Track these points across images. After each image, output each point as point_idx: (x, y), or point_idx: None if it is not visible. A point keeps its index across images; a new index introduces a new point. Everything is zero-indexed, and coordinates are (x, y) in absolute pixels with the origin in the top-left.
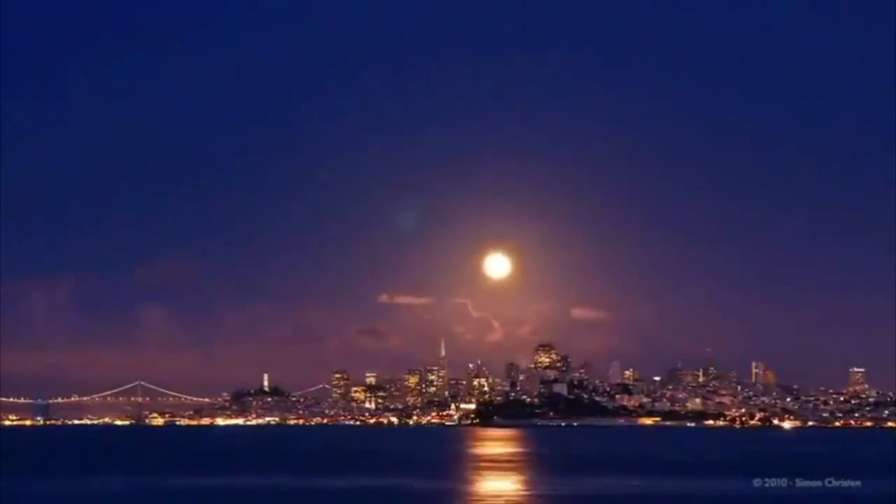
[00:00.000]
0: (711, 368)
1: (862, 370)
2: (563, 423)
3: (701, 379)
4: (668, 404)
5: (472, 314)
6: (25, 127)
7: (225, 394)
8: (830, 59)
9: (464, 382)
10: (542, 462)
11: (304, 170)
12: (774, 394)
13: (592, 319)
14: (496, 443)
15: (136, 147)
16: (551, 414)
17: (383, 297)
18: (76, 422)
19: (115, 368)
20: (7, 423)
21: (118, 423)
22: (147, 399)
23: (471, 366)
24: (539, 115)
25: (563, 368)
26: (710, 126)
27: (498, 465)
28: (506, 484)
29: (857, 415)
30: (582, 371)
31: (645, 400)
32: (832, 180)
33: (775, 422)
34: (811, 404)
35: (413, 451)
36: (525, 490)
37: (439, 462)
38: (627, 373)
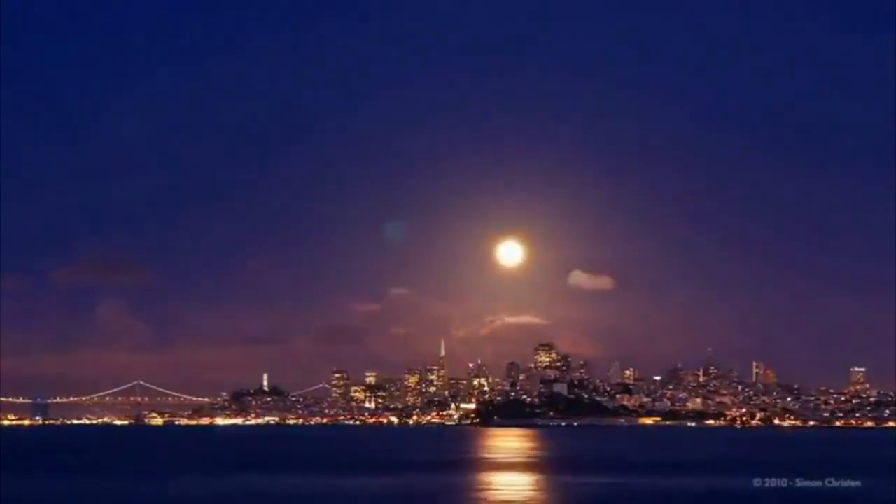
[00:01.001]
0: (712, 368)
1: (863, 370)
2: (563, 423)
3: (701, 379)
4: (669, 404)
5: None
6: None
7: (224, 393)
8: (836, 67)
9: (464, 382)
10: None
11: (305, 168)
12: (775, 393)
13: (591, 318)
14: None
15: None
16: (551, 414)
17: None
18: (75, 421)
19: (114, 368)
20: (6, 422)
21: (117, 422)
22: (146, 399)
23: (471, 365)
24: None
25: (564, 368)
26: (716, 127)
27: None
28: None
29: (857, 415)
30: (582, 371)
31: (645, 400)
32: (833, 179)
33: (776, 421)
34: (812, 404)
35: None
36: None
37: None
38: (628, 372)
